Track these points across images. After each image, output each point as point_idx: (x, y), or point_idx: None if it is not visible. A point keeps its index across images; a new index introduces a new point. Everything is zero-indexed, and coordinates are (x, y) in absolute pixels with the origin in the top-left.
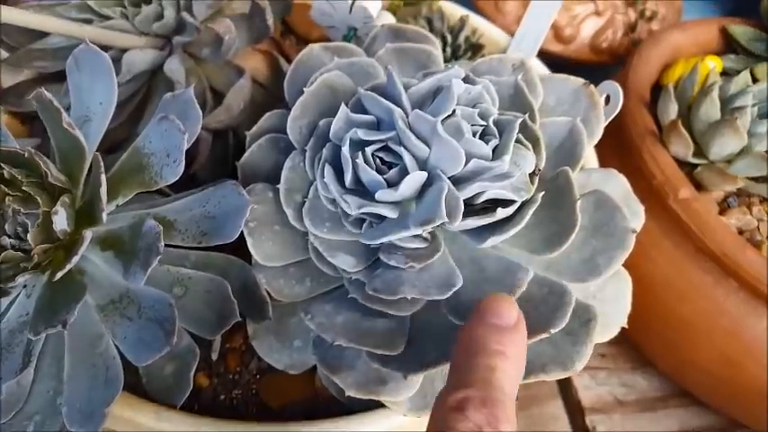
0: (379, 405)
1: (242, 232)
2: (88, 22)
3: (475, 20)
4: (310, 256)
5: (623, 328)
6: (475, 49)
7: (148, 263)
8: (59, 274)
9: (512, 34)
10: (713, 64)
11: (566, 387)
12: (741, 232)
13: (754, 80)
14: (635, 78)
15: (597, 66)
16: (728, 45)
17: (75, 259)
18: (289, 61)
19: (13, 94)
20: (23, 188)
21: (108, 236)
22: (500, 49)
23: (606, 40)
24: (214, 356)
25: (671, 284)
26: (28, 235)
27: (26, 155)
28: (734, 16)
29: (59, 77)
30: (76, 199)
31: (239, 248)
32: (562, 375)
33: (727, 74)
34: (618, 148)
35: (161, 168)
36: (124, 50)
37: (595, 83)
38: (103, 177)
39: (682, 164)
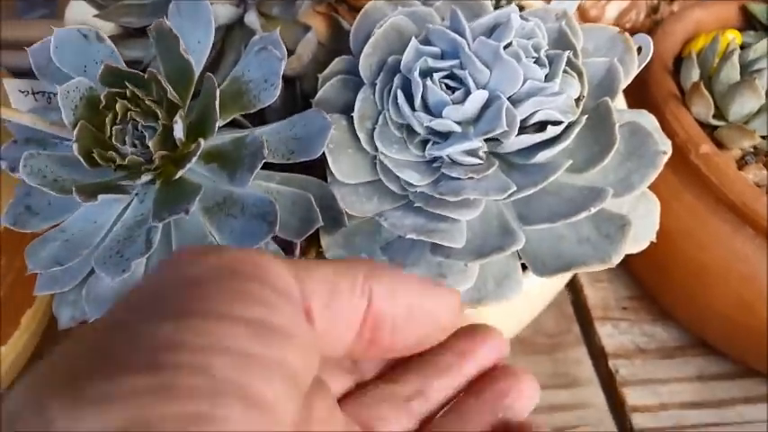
0: None
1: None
2: None
3: None
4: (378, 177)
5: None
6: (519, 9)
7: (254, 167)
8: (180, 173)
9: None
10: (733, 36)
11: (589, 334)
12: (758, 186)
13: None
14: (659, 49)
15: None
16: (748, 22)
17: (194, 160)
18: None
19: None
20: (146, 103)
21: (212, 150)
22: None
23: (630, 21)
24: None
25: (691, 235)
26: (150, 143)
27: (146, 76)
28: None
29: (142, 32)
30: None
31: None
32: (600, 267)
33: (745, 48)
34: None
35: (259, 92)
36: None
37: None
38: (217, 92)
39: (703, 125)
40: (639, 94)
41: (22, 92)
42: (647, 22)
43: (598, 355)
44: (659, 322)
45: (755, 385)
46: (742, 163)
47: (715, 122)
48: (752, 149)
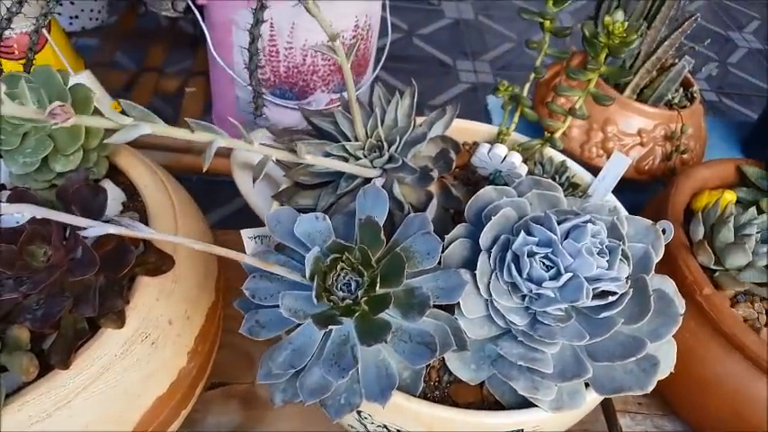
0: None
1: None
2: (345, 159)
3: (569, 162)
4: (490, 314)
5: (657, 385)
6: (573, 186)
7: (423, 311)
8: (379, 315)
9: (574, 158)
10: (731, 198)
11: (613, 425)
12: (746, 320)
13: (760, 211)
14: (673, 204)
15: (639, 183)
16: (742, 179)
17: (390, 305)
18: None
19: (283, 194)
20: (356, 266)
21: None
22: (586, 185)
23: (648, 165)
24: (426, 370)
25: (694, 354)
26: (358, 292)
27: (356, 247)
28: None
29: (310, 187)
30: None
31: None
32: (639, 393)
33: (740, 202)
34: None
35: (422, 260)
36: (367, 179)
37: (639, 196)
38: (405, 265)
39: (705, 270)
40: None
41: (250, 238)
42: (662, 166)
43: None
44: (666, 417)
45: None
46: (735, 301)
47: (715, 267)
48: (743, 291)
